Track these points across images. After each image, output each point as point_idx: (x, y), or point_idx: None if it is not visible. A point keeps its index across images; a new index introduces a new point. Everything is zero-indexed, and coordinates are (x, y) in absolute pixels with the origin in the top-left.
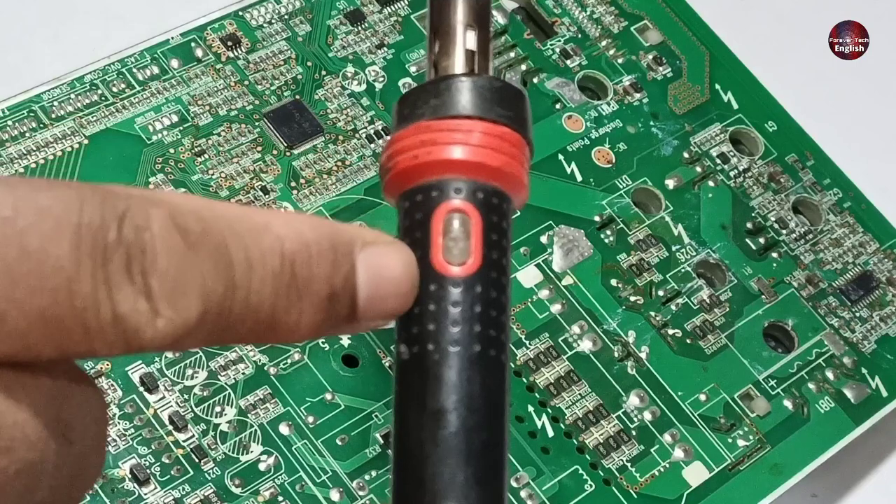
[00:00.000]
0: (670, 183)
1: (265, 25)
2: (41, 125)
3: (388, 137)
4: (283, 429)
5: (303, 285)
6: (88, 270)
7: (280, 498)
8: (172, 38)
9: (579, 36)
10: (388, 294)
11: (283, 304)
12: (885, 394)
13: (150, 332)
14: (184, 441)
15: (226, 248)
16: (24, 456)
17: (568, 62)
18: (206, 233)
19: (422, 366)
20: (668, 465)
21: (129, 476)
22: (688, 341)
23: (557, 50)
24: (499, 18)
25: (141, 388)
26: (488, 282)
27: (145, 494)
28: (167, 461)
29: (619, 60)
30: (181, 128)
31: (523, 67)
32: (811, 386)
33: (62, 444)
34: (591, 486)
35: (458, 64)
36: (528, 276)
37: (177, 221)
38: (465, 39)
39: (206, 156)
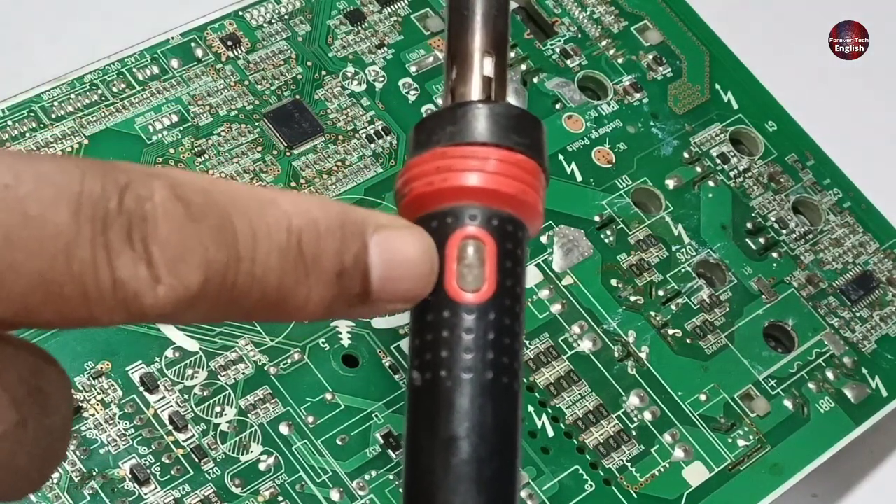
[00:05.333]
0: (670, 183)
1: (265, 25)
2: (41, 125)
3: (405, 163)
4: (283, 429)
5: (311, 261)
6: (88, 237)
7: (280, 498)
8: (172, 38)
9: (579, 36)
10: (404, 276)
11: (291, 280)
12: (885, 394)
13: (151, 298)
14: (184, 441)
15: (229, 220)
16: (9, 419)
17: (568, 62)
18: (208, 205)
19: (434, 392)
20: (668, 465)
21: (129, 476)
22: (688, 341)
23: (557, 50)
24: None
25: (141, 388)
26: (502, 309)
27: (145, 494)
28: (167, 461)
29: (619, 60)
30: (181, 128)
31: (523, 67)
32: (811, 386)
33: (41, 414)
34: (591, 486)
35: (476, 90)
36: (528, 276)
37: (179, 193)
38: (482, 66)
39: (206, 156)
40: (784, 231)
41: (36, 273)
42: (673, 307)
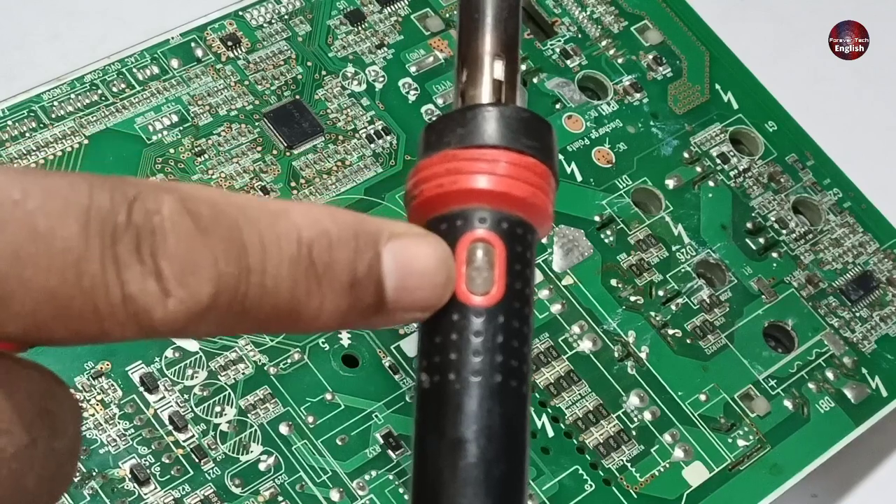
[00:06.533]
0: (670, 183)
1: (265, 25)
2: (41, 125)
3: (414, 166)
4: (283, 429)
5: (322, 271)
6: (97, 251)
7: (280, 498)
8: (172, 38)
9: (579, 36)
10: (420, 285)
11: (303, 291)
12: (885, 394)
13: (161, 312)
14: (184, 441)
15: (239, 233)
16: (19, 439)
17: (568, 62)
18: (218, 217)
19: (442, 395)
20: (668, 465)
21: (129, 476)
22: (688, 341)
23: (557, 50)
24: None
25: (141, 388)
26: (511, 312)
27: (145, 494)
28: (167, 461)
29: (619, 60)
30: (181, 128)
31: (523, 67)
32: (811, 386)
33: (50, 435)
34: (591, 486)
35: (486, 93)
36: None
37: (188, 206)
38: (492, 69)
39: (206, 156)
40: (784, 231)
41: (45, 289)
42: (673, 307)
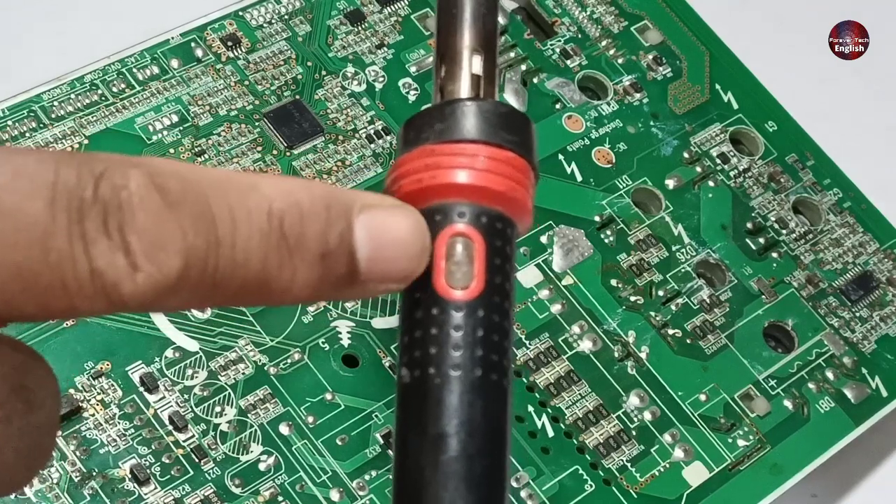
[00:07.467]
0: (670, 183)
1: (265, 25)
2: (41, 125)
3: (393, 161)
4: (283, 429)
5: (293, 243)
6: (64, 226)
7: (280, 498)
8: (172, 38)
9: (579, 36)
10: (394, 255)
11: (274, 263)
12: (885, 394)
13: (130, 286)
14: (184, 441)
15: (208, 206)
16: None
17: (568, 62)
18: (186, 191)
19: (423, 390)
20: (668, 465)
21: (129, 476)
22: (688, 341)
23: (557, 50)
24: (499, 18)
25: (141, 388)
26: (491, 306)
27: (145, 494)
28: (167, 461)
29: (619, 60)
30: (181, 128)
31: (523, 67)
32: (811, 386)
33: (26, 410)
34: (591, 486)
35: (464, 88)
36: (528, 276)
37: (156, 181)
38: (471, 64)
39: (206, 156)
40: (784, 231)
41: (13, 265)
42: (673, 307)
